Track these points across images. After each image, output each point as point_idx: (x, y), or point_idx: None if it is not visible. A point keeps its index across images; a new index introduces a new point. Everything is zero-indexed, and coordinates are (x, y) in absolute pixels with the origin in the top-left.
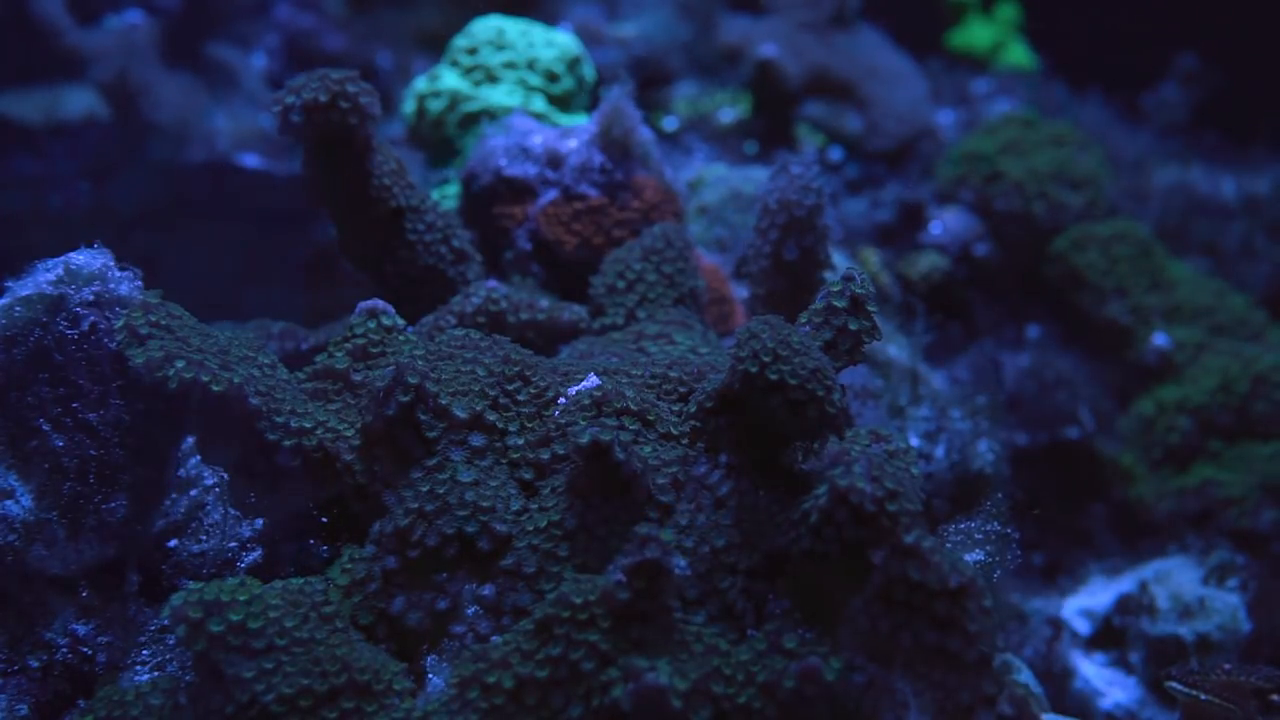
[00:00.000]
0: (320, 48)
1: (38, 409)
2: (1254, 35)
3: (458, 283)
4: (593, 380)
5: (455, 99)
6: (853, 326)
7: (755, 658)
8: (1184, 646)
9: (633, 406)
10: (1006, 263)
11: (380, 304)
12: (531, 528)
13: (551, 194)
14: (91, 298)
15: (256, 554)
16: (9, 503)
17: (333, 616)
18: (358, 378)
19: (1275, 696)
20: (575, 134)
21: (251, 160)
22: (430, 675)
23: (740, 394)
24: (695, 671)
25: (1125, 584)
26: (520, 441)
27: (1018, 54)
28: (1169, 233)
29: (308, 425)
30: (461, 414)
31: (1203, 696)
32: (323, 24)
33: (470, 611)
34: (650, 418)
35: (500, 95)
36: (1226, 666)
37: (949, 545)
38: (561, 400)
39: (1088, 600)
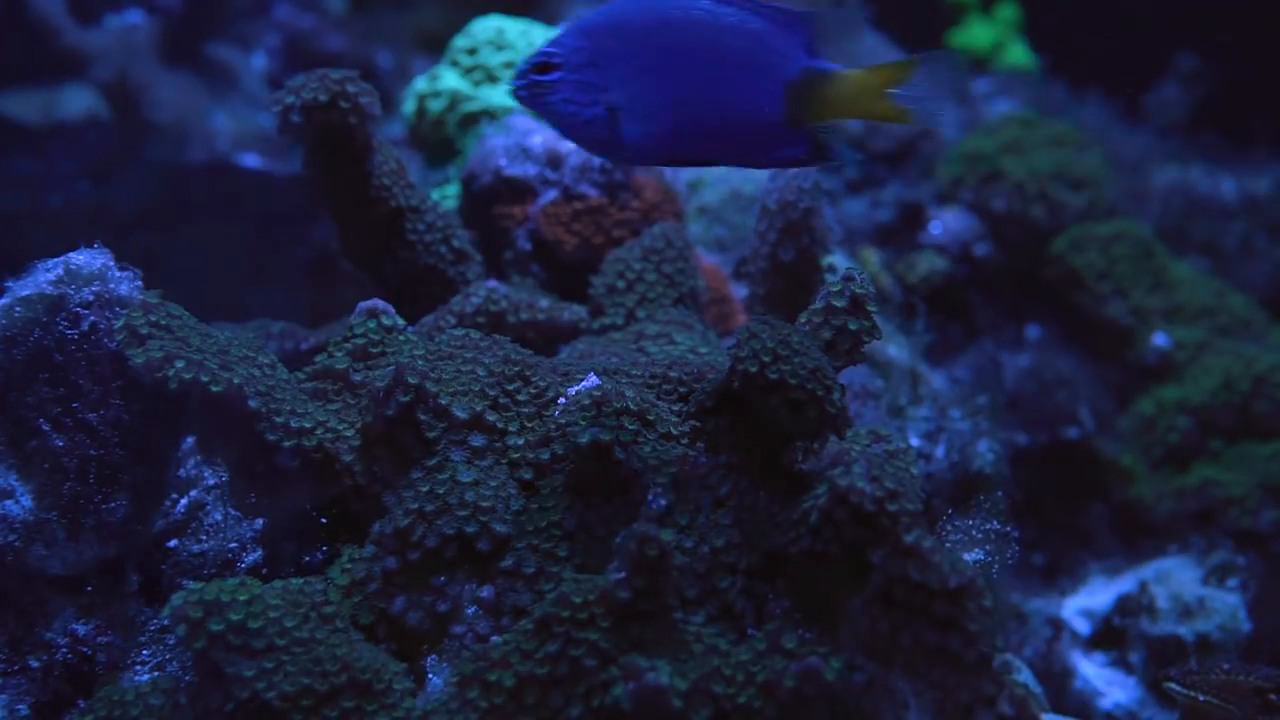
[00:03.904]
0: (320, 48)
1: (38, 409)
2: (1254, 35)
3: (458, 283)
4: (593, 380)
5: (455, 99)
6: (852, 326)
7: (755, 657)
8: (1184, 646)
9: (633, 406)
10: (1006, 263)
11: (380, 304)
12: (531, 528)
13: (551, 194)
14: (91, 298)
15: (256, 554)
16: (9, 503)
17: (333, 616)
18: (358, 378)
19: (1275, 696)
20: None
21: (251, 160)
22: (430, 675)
23: (740, 394)
24: (695, 671)
25: (1125, 584)
26: (520, 441)
27: (1018, 54)
28: (1169, 233)
29: (307, 425)
30: (461, 414)
31: (1201, 697)
32: (323, 24)
33: (470, 612)
34: (650, 418)
35: (500, 95)
36: (1226, 666)
37: (949, 545)
38: (561, 400)
39: (1088, 600)
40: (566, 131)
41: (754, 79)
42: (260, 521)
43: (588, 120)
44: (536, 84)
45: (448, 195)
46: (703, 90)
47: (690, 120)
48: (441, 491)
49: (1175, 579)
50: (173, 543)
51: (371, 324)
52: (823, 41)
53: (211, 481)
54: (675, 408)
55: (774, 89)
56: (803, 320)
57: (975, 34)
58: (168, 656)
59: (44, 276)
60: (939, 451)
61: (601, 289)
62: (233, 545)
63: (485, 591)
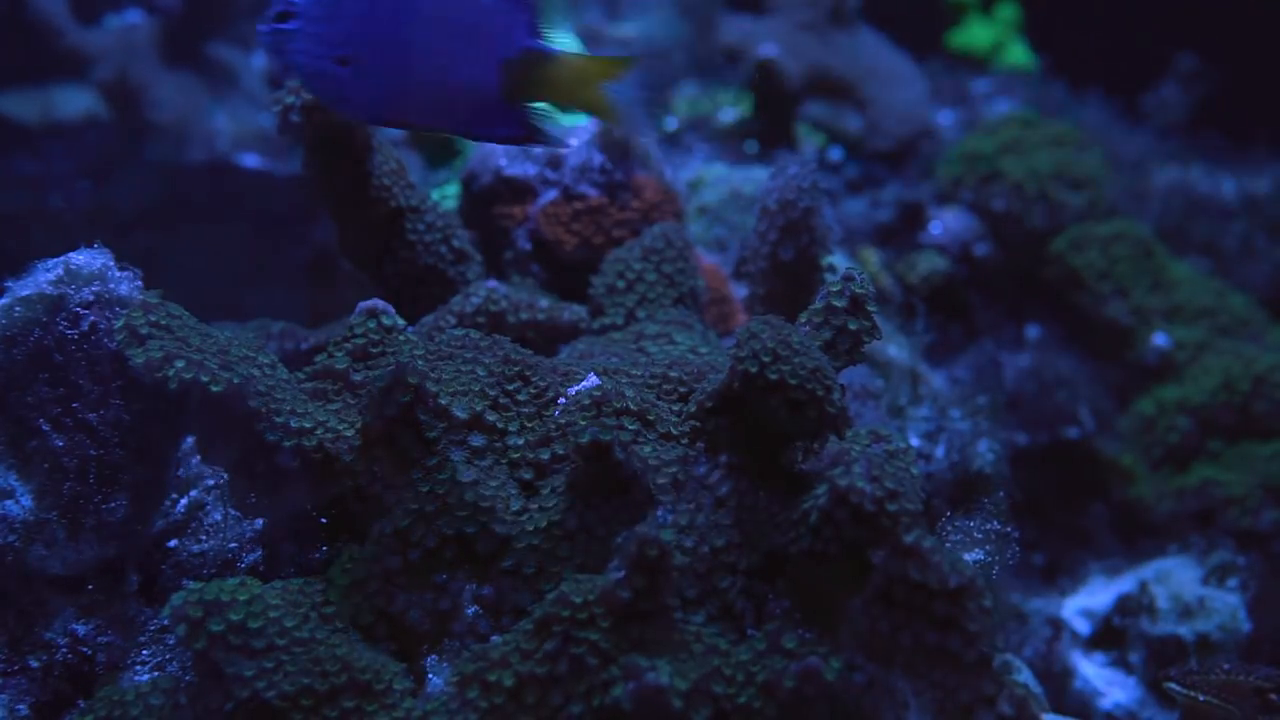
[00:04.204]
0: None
1: (38, 409)
2: (1254, 35)
3: (458, 283)
4: (593, 380)
5: None
6: (852, 326)
7: (755, 657)
8: (1184, 646)
9: (633, 406)
10: (1006, 263)
11: (380, 304)
12: (531, 528)
13: (551, 194)
14: (91, 298)
15: (256, 554)
16: (9, 503)
17: (333, 617)
18: (358, 378)
19: (1275, 696)
20: (575, 134)
21: (251, 160)
22: (430, 675)
23: (740, 394)
24: (695, 671)
25: (1125, 584)
26: (520, 441)
27: (1018, 54)
28: (1169, 233)
29: (308, 425)
30: (461, 414)
31: (1201, 697)
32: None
33: (470, 611)
34: (650, 418)
35: None
36: (1226, 666)
37: (949, 545)
38: (561, 400)
39: (1088, 600)
40: (302, 81)
41: (474, 53)
42: (260, 521)
43: (318, 73)
44: (278, 32)
45: (448, 195)
46: (426, 58)
47: (413, 86)
48: (441, 492)
49: (1175, 579)
50: (173, 543)
51: (371, 324)
52: (549, 22)
53: (211, 481)
54: (675, 408)
55: (492, 65)
56: (803, 320)
57: (975, 34)
58: (168, 656)
59: (44, 276)
60: (939, 451)
61: (601, 289)
62: (233, 545)
63: (486, 590)
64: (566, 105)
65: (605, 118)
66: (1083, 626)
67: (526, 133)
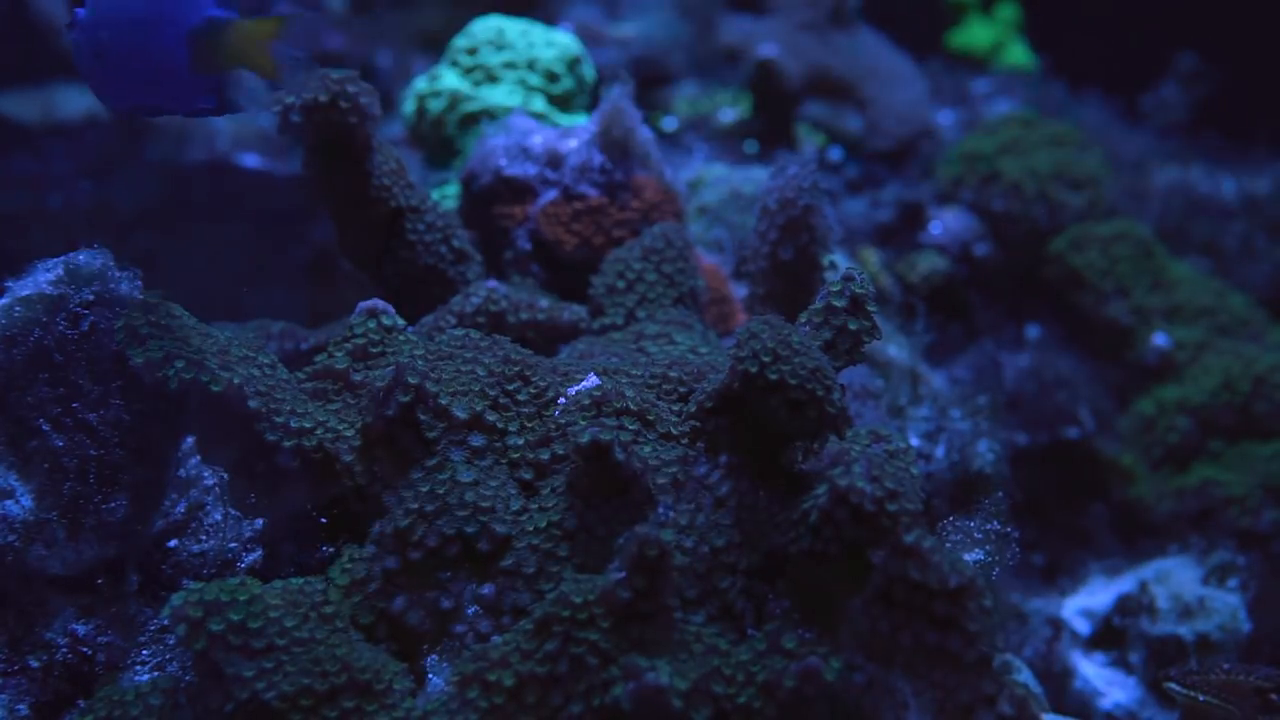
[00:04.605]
0: (320, 48)
1: (38, 409)
2: (1254, 35)
3: (458, 283)
4: (593, 380)
5: (455, 99)
6: (852, 326)
7: (755, 658)
8: (1184, 646)
9: (632, 406)
10: (1006, 263)
11: (380, 304)
12: (531, 528)
13: (551, 194)
14: (92, 298)
15: (256, 554)
16: (9, 503)
17: (333, 616)
18: (358, 378)
19: (1275, 696)
20: (575, 134)
21: (251, 160)
22: (430, 675)
23: (740, 394)
24: (695, 671)
25: (1125, 584)
26: (520, 441)
27: (1018, 54)
28: (1169, 233)
29: (308, 425)
30: (461, 414)
31: (1201, 697)
32: (323, 24)
33: (470, 611)
34: (650, 418)
35: (500, 95)
36: (1226, 666)
37: (949, 545)
38: (561, 400)
39: (1088, 600)
40: (84, 80)
41: (168, 29)
42: (260, 521)
43: (85, 70)
44: (71, 40)
45: (448, 195)
46: (135, 39)
47: (131, 69)
48: (441, 492)
49: (1175, 579)
50: (173, 543)
51: (371, 324)
52: None
53: (211, 482)
54: (675, 408)
55: (180, 36)
56: (803, 320)
57: (975, 34)
58: (168, 656)
59: (44, 276)
60: (939, 451)
61: (601, 289)
62: (233, 545)
63: (486, 589)
64: (246, 68)
65: (272, 78)
66: (1083, 626)
67: (220, 103)
